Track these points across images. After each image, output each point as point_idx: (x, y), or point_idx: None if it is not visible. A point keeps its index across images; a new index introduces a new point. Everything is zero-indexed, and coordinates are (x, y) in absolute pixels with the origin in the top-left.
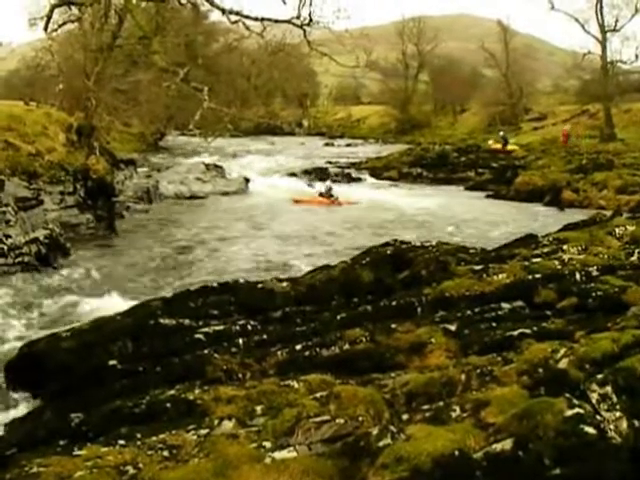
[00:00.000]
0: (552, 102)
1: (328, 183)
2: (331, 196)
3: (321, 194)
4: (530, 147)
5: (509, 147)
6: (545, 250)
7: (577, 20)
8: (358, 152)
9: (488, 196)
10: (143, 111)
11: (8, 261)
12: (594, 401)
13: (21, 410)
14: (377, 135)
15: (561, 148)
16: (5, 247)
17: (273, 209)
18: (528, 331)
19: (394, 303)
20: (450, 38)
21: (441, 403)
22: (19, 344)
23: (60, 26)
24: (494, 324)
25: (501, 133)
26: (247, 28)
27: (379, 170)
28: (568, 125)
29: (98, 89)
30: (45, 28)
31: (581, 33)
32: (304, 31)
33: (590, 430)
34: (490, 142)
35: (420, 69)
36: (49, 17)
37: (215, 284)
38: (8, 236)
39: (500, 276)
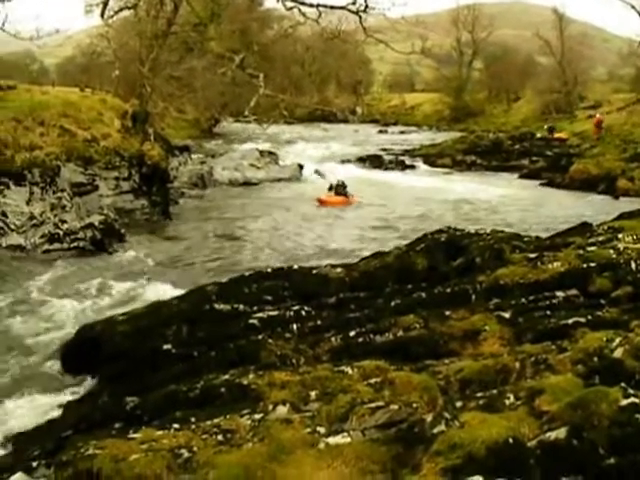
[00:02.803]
0: (607, 90)
1: (340, 178)
2: (341, 194)
3: (338, 193)
4: (584, 135)
5: (561, 134)
6: (600, 239)
7: (633, 7)
8: (412, 139)
9: (542, 184)
10: (198, 98)
11: (64, 246)
12: None
13: (77, 393)
14: (431, 123)
15: (614, 136)
16: (61, 232)
17: None
18: (582, 320)
19: (448, 290)
20: (505, 26)
21: (495, 391)
22: (76, 328)
23: (116, 13)
24: (548, 312)
25: (548, 124)
26: (303, 15)
27: (433, 157)
28: (599, 114)
29: (153, 76)
30: (101, 15)
31: (637, 20)
32: (360, 17)
33: None
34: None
35: (474, 57)
36: (105, 4)
37: (269, 270)
38: (64, 221)
39: (555, 264)
